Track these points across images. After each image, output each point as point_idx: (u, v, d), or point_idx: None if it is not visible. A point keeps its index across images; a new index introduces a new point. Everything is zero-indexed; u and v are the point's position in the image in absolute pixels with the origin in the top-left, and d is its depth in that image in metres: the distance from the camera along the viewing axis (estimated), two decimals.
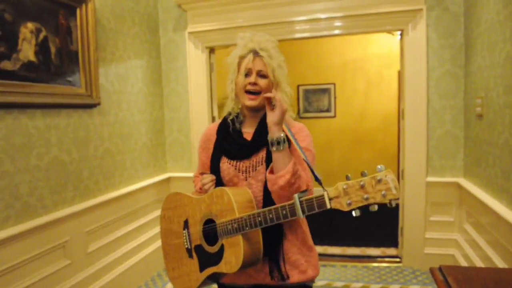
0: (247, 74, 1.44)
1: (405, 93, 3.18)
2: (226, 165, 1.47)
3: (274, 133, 1.28)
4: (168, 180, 3.65)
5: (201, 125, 3.57)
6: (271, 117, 1.29)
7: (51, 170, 2.29)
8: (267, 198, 1.37)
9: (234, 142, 1.48)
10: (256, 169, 1.43)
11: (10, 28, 2.01)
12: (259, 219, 1.25)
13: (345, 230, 4.28)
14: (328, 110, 5.90)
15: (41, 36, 2.22)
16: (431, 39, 3.07)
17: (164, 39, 3.62)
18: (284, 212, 1.21)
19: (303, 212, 1.16)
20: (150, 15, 3.46)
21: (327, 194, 1.12)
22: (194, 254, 1.45)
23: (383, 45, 5.45)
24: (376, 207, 1.08)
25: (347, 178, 1.11)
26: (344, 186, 1.10)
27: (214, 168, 1.50)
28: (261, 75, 1.43)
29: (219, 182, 1.47)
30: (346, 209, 1.10)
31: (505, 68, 2.13)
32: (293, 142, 1.32)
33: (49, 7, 2.28)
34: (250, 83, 1.42)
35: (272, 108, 1.30)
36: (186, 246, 1.49)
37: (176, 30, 3.58)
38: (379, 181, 1.05)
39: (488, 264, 2.31)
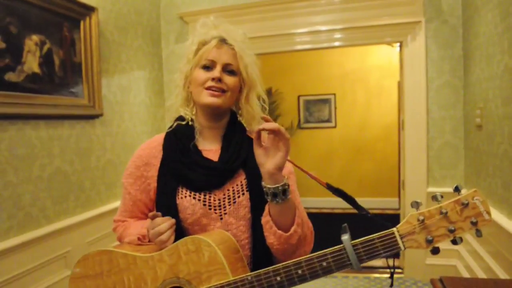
0: (208, 67, 1.06)
1: (405, 104, 3.20)
2: (187, 200, 1.04)
3: (277, 181, 0.92)
4: None
5: None
6: (273, 160, 0.92)
7: (53, 180, 2.31)
8: (258, 243, 1.01)
9: (197, 165, 1.05)
10: (235, 202, 1.04)
11: (15, 40, 2.05)
12: (279, 278, 0.84)
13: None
14: (328, 121, 5.93)
15: (45, 48, 2.26)
16: (430, 51, 3.10)
17: (166, 51, 3.66)
18: (325, 264, 0.82)
19: (361, 260, 0.83)
20: (152, 28, 3.50)
21: (397, 230, 0.84)
22: None
23: (383, 56, 5.50)
24: (460, 240, 0.83)
25: (416, 205, 0.85)
26: (420, 218, 0.83)
27: (167, 206, 1.05)
28: (229, 70, 1.06)
29: (177, 228, 1.01)
30: (426, 248, 0.83)
31: (503, 79, 2.15)
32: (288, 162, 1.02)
33: (54, 20, 2.32)
34: (213, 78, 1.04)
35: (261, 144, 0.94)
36: None
37: (178, 42, 3.63)
38: (466, 205, 0.81)
39: (490, 275, 2.30)
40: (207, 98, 1.04)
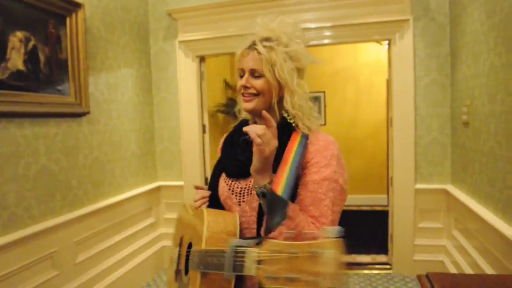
0: (241, 75, 1.16)
1: (393, 102, 3.23)
2: (223, 183, 1.24)
3: (257, 182, 1.01)
4: (158, 189, 3.63)
5: (191, 134, 3.58)
6: (254, 161, 1.00)
7: (39, 179, 2.27)
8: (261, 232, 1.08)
9: (233, 157, 1.22)
10: (251, 193, 1.15)
11: None
12: (209, 259, 0.97)
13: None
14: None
15: (30, 45, 2.22)
16: (418, 49, 3.13)
17: (155, 48, 3.63)
18: (213, 259, 0.94)
19: (234, 269, 0.85)
20: (140, 24, 3.47)
21: (256, 252, 0.78)
22: (178, 278, 1.27)
23: (372, 54, 5.54)
24: None
25: (258, 241, 0.81)
26: (276, 248, 0.75)
27: (213, 184, 1.28)
28: (256, 76, 1.13)
29: (216, 201, 1.24)
30: (265, 285, 0.75)
31: (489, 77, 2.18)
32: (316, 168, 1.06)
33: (39, 16, 2.27)
34: (241, 85, 1.14)
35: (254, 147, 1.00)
36: (174, 267, 1.31)
37: (167, 39, 3.59)
38: (314, 258, 0.69)
39: (477, 270, 2.34)
40: (242, 104, 1.17)
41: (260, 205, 1.09)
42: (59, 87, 2.44)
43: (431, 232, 3.20)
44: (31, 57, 2.22)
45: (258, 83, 1.12)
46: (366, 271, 3.42)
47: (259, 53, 1.10)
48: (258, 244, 0.81)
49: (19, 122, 2.14)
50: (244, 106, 1.15)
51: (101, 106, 2.86)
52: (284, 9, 3.31)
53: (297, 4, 3.29)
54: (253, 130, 0.96)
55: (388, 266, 3.43)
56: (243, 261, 0.81)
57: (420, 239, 3.23)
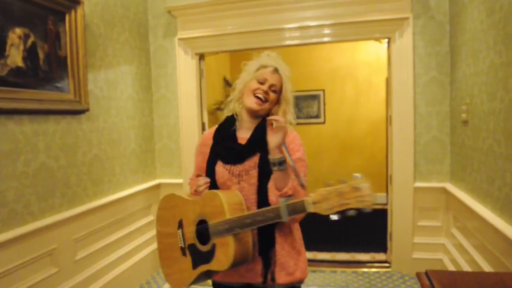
0: (261, 82, 1.51)
1: (393, 100, 3.23)
2: (220, 168, 1.54)
3: (275, 154, 1.36)
4: (158, 186, 3.63)
5: (190, 132, 3.57)
6: (274, 139, 1.36)
7: (38, 176, 2.27)
8: (261, 200, 1.44)
9: (229, 147, 1.55)
10: (248, 173, 1.50)
11: None
12: (248, 221, 1.34)
13: (334, 236, 4.29)
14: (317, 116, 5.95)
15: (29, 41, 2.21)
16: (418, 47, 3.13)
17: (154, 45, 3.62)
18: (270, 214, 1.31)
19: (289, 214, 1.27)
20: (140, 21, 3.46)
21: (310, 199, 1.22)
22: (187, 253, 1.53)
23: (372, 52, 5.53)
24: (353, 212, 1.17)
25: (328, 184, 1.21)
26: (324, 192, 1.19)
27: (210, 171, 1.57)
28: (273, 90, 1.52)
29: (213, 185, 1.55)
30: (325, 213, 1.20)
31: (488, 75, 2.18)
32: (285, 153, 1.41)
33: (38, 13, 2.27)
34: (262, 90, 1.50)
35: (274, 130, 1.36)
36: (180, 245, 1.55)
37: (166, 36, 3.59)
38: (357, 188, 1.15)
39: (475, 268, 2.34)
40: (253, 103, 1.50)
41: (259, 181, 1.46)
42: (58, 84, 2.43)
43: (430, 230, 3.21)
44: (30, 54, 2.21)
45: (272, 95, 1.52)
46: (365, 269, 3.42)
47: (280, 77, 1.53)
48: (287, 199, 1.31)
49: (18, 119, 2.14)
50: (254, 105, 1.50)
51: (100, 103, 2.86)
52: (284, 7, 3.31)
53: (297, 2, 3.28)
54: (276, 117, 1.35)
55: (387, 264, 3.44)
56: (295, 207, 1.26)
57: (419, 237, 3.24)
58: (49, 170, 2.35)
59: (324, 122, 5.94)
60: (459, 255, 2.75)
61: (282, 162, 1.36)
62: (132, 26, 3.32)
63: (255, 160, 1.50)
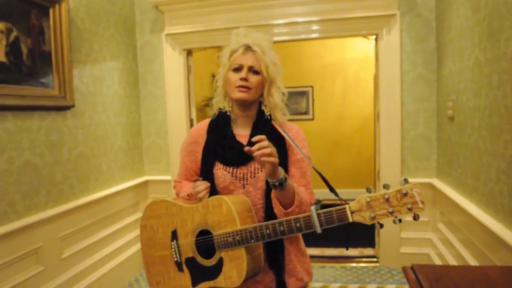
0: (237, 69, 1.36)
1: (380, 96, 3.25)
2: (221, 171, 1.37)
3: (273, 178, 1.20)
4: (145, 183, 3.60)
5: (178, 128, 3.55)
6: (265, 170, 1.19)
7: (22, 174, 2.23)
8: (269, 205, 1.30)
9: (230, 147, 1.38)
10: (255, 176, 1.35)
11: None
12: (268, 231, 1.18)
13: (323, 231, 4.31)
14: (306, 113, 5.96)
15: (12, 36, 2.16)
16: (405, 44, 3.15)
17: (141, 41, 3.58)
18: (298, 225, 1.14)
19: (321, 225, 1.11)
20: (126, 16, 3.41)
21: (349, 207, 1.08)
22: (184, 268, 1.35)
23: (360, 49, 5.55)
24: (398, 220, 1.06)
25: (368, 190, 1.08)
26: (368, 199, 1.06)
27: (207, 174, 1.39)
28: (254, 71, 1.35)
29: (212, 190, 1.36)
30: (369, 222, 1.08)
31: (474, 72, 2.21)
32: (297, 149, 1.32)
33: (20, 7, 2.22)
34: (241, 79, 1.33)
35: (258, 163, 1.21)
36: (175, 259, 1.37)
37: (153, 32, 3.55)
38: (405, 194, 1.03)
39: (461, 262, 2.38)
40: (237, 94, 1.34)
41: (267, 186, 1.31)
42: (43, 80, 2.39)
43: (417, 225, 3.24)
44: (13, 49, 2.16)
45: (255, 78, 1.35)
46: (353, 264, 3.45)
47: (256, 54, 1.35)
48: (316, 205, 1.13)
49: (1, 115, 2.09)
50: (239, 95, 1.34)
51: (86, 99, 2.81)
52: (272, 2, 3.30)
53: None
54: (262, 153, 1.13)
55: (375, 259, 3.48)
56: (332, 216, 1.10)
57: (406, 232, 3.27)
58: (34, 168, 2.31)
59: (312, 119, 5.95)
60: (445, 249, 2.79)
61: (282, 183, 1.19)
62: (119, 21, 3.28)
63: None
